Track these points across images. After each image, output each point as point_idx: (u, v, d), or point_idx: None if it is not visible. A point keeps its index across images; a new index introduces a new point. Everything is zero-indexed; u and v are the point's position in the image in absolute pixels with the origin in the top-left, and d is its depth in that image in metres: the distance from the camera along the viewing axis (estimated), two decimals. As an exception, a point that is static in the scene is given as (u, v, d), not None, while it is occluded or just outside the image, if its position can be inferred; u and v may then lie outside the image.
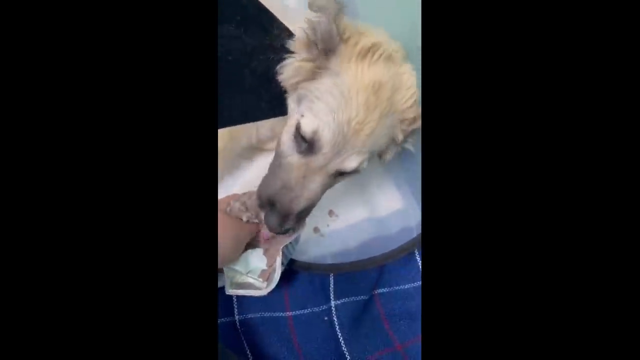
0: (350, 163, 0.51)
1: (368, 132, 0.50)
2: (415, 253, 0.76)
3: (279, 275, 0.61)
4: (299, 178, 0.51)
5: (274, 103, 0.56)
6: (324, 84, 0.50)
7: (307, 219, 0.63)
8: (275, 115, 0.57)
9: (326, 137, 0.49)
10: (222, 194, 0.61)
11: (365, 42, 0.49)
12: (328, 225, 0.76)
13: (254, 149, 0.70)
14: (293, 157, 0.52)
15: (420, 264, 0.76)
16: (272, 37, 0.53)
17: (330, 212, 0.74)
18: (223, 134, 0.63)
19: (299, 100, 0.53)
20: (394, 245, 0.71)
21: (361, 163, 0.52)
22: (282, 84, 0.55)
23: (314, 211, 0.57)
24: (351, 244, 0.74)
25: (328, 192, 0.62)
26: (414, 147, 0.60)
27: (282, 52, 0.53)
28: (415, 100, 0.54)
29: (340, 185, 0.71)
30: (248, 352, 0.71)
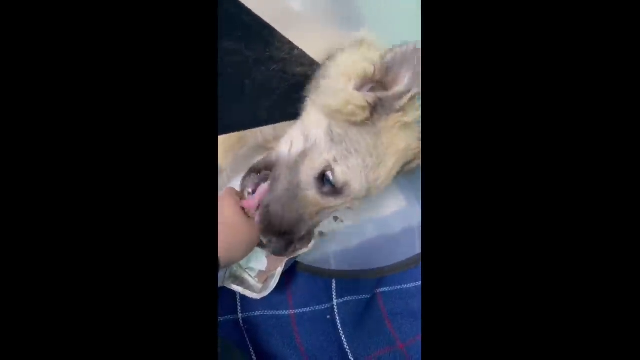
0: (358, 205, 0.56)
1: (384, 186, 0.54)
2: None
3: (276, 283, 0.62)
4: (313, 213, 0.53)
5: (272, 111, 0.56)
6: (366, 141, 0.51)
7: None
8: (274, 122, 0.58)
9: (354, 190, 0.51)
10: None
11: (413, 116, 0.51)
12: (333, 230, 0.77)
13: (259, 148, 0.71)
14: (311, 193, 0.53)
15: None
16: (274, 49, 0.53)
17: (336, 218, 0.76)
18: (231, 136, 0.64)
19: (333, 139, 0.51)
20: (396, 247, 0.73)
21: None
22: (296, 83, 0.54)
23: None
24: (353, 243, 0.75)
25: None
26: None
27: (284, 63, 0.54)
28: (419, 151, 0.56)
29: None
30: (251, 349, 0.72)
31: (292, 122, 0.58)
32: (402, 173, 0.60)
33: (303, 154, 0.53)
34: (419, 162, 0.58)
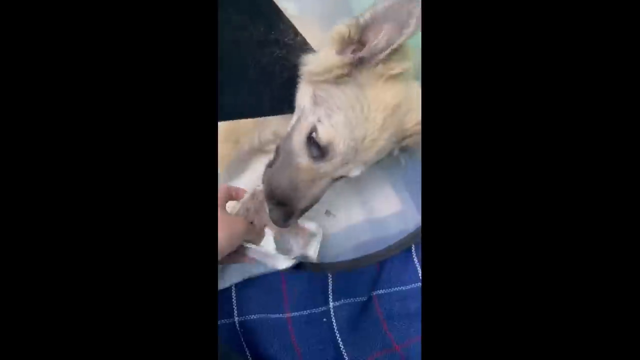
0: (355, 172, 0.54)
1: (377, 149, 0.52)
2: (413, 255, 0.77)
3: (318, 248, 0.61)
4: (308, 181, 0.53)
5: (275, 101, 0.56)
6: (348, 96, 0.50)
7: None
8: (276, 113, 0.58)
9: (340, 149, 0.51)
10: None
11: (400, 68, 0.50)
12: (325, 226, 0.76)
13: (256, 151, 0.71)
14: (303, 160, 0.53)
15: (418, 265, 0.77)
16: (279, 32, 0.53)
17: (327, 212, 0.75)
18: (228, 140, 0.64)
19: (316, 102, 0.52)
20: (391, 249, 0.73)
21: (363, 171, 0.55)
22: (296, 74, 0.54)
23: (310, 211, 0.59)
24: (349, 245, 0.75)
25: (326, 193, 0.64)
26: (404, 160, 0.62)
27: (288, 49, 0.54)
28: (419, 121, 0.55)
29: (338, 187, 0.73)
30: (248, 353, 0.72)
31: (289, 117, 0.58)
32: (402, 148, 0.58)
33: (295, 124, 0.54)
34: (418, 139, 0.56)
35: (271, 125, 0.62)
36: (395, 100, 0.51)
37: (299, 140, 0.53)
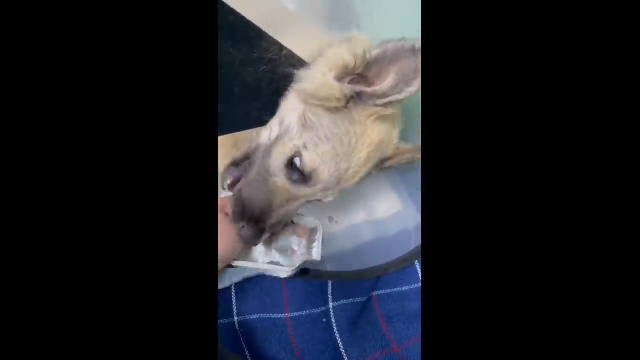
0: (330, 197, 0.54)
1: (357, 179, 0.53)
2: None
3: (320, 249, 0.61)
4: (283, 201, 0.52)
5: (264, 111, 0.56)
6: (339, 128, 0.50)
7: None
8: (265, 124, 0.57)
9: (323, 178, 0.50)
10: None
11: (393, 111, 0.51)
12: (328, 231, 0.76)
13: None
14: (281, 180, 0.52)
15: (418, 266, 0.77)
16: (262, 50, 0.54)
17: (330, 219, 0.75)
18: (227, 144, 0.63)
19: (305, 125, 0.51)
20: (392, 250, 0.73)
21: (336, 198, 0.55)
22: (283, 85, 0.54)
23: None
24: (350, 246, 0.75)
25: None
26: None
27: (274, 64, 0.54)
28: (397, 146, 0.56)
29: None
30: (247, 353, 0.72)
31: None
32: (381, 169, 0.59)
33: (277, 139, 0.53)
34: (400, 159, 0.58)
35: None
36: (380, 137, 0.52)
37: (279, 161, 0.52)
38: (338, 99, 0.49)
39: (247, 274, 0.73)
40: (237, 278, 0.73)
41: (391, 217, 0.76)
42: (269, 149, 0.53)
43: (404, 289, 0.76)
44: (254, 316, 0.74)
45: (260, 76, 0.55)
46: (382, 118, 0.51)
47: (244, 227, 0.53)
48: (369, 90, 0.49)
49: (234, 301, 0.74)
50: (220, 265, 0.54)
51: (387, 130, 0.53)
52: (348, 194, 0.76)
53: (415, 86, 0.46)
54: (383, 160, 0.57)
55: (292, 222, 0.66)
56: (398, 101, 0.49)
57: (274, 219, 0.52)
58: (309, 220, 0.65)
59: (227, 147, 0.67)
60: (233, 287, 0.74)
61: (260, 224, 0.52)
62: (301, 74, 0.53)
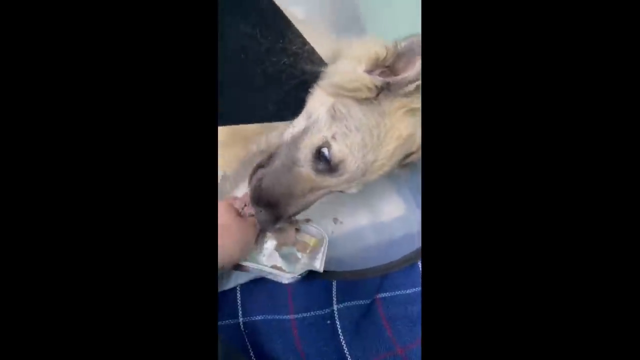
0: (354, 189, 0.55)
1: (382, 172, 0.54)
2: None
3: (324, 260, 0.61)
4: (305, 190, 0.53)
5: (281, 106, 0.57)
6: (369, 119, 0.50)
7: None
8: (280, 119, 0.58)
9: (350, 169, 0.51)
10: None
11: (419, 104, 0.51)
12: (332, 232, 0.77)
13: (264, 154, 0.72)
14: (306, 170, 0.53)
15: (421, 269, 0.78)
16: (287, 41, 0.55)
17: (335, 220, 0.76)
18: (236, 143, 0.65)
19: (335, 116, 0.52)
20: (396, 253, 0.73)
21: (360, 190, 0.56)
22: (303, 81, 0.55)
23: (319, 220, 0.61)
24: (354, 248, 0.76)
25: (331, 200, 0.64)
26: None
27: (295, 58, 0.55)
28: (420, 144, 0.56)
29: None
30: (252, 354, 0.72)
31: None
32: (402, 165, 0.59)
33: (304, 132, 0.53)
34: (419, 155, 0.57)
35: (279, 129, 0.62)
36: (408, 132, 0.52)
37: (306, 150, 0.53)
38: (369, 89, 0.50)
39: (252, 275, 0.74)
40: (242, 279, 0.74)
41: (395, 219, 0.77)
42: (295, 141, 0.54)
43: (407, 291, 0.77)
44: (259, 317, 0.74)
45: (282, 68, 0.55)
46: (411, 111, 0.51)
47: (261, 211, 0.53)
48: (398, 78, 0.50)
49: (239, 302, 0.75)
50: (229, 263, 0.55)
51: (415, 124, 0.52)
52: (352, 196, 0.77)
53: None
54: (407, 155, 0.57)
55: (297, 230, 0.66)
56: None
57: (292, 207, 0.53)
58: (315, 231, 0.66)
59: (237, 140, 0.69)
60: (238, 288, 0.74)
61: (277, 209, 0.53)
62: (330, 69, 0.54)
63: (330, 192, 0.55)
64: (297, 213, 0.56)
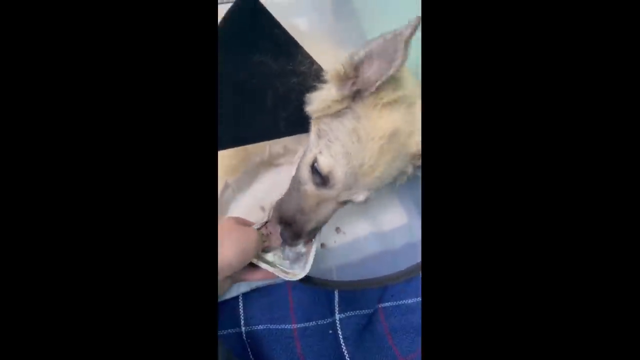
0: (359, 197, 0.57)
1: (378, 174, 0.55)
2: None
3: (310, 264, 0.63)
4: (313, 205, 0.57)
5: (291, 121, 0.59)
6: (346, 127, 0.54)
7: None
8: (291, 133, 0.61)
9: (339, 177, 0.54)
10: (235, 207, 0.64)
11: (393, 96, 0.52)
12: (335, 242, 0.77)
13: (265, 164, 0.72)
14: (309, 187, 0.57)
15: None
16: (296, 63, 0.57)
17: (337, 229, 0.77)
18: (238, 152, 0.65)
19: (320, 135, 0.56)
20: (398, 262, 0.73)
21: (369, 196, 0.57)
22: (305, 111, 0.58)
23: (322, 229, 0.62)
24: (356, 258, 0.76)
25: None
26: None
27: (304, 77, 0.57)
28: (419, 144, 0.56)
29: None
30: (253, 363, 0.72)
31: (302, 136, 0.61)
32: (418, 167, 0.59)
33: (303, 156, 0.59)
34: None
35: (282, 140, 0.63)
36: (392, 127, 0.53)
37: (305, 170, 0.57)
38: (338, 102, 0.53)
39: (253, 285, 0.74)
40: (244, 288, 0.74)
41: (397, 229, 0.77)
42: (298, 165, 0.59)
43: (409, 301, 0.77)
44: (261, 326, 0.74)
45: (292, 87, 0.58)
46: (388, 107, 0.53)
47: (283, 229, 0.58)
48: (361, 81, 0.52)
49: (241, 311, 0.75)
50: (229, 271, 0.55)
51: (399, 119, 0.53)
52: (355, 206, 0.77)
53: (398, 59, 0.47)
54: (413, 158, 0.57)
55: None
56: (392, 80, 0.51)
57: (307, 222, 0.57)
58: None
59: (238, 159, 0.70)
60: (240, 298, 0.75)
61: (295, 226, 0.57)
62: (310, 97, 0.57)
63: (339, 203, 0.58)
64: (316, 228, 0.59)
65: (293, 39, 0.57)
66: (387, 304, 0.77)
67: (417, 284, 0.77)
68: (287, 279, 0.61)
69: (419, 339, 0.74)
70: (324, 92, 0.55)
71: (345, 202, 0.59)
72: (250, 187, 0.74)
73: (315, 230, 0.60)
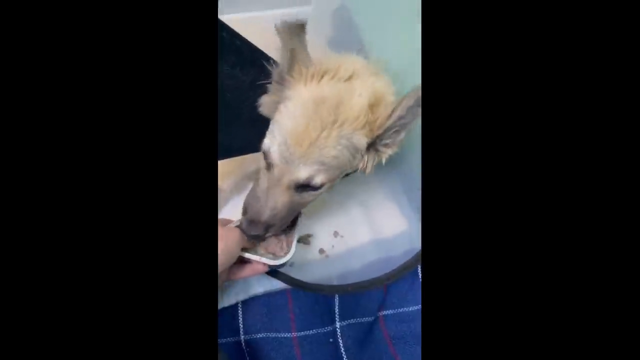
0: (300, 173, 0.55)
1: (309, 142, 0.53)
2: (419, 276, 0.77)
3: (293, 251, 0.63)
4: (264, 190, 0.57)
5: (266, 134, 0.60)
6: (281, 111, 0.57)
7: (313, 241, 0.64)
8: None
9: (274, 152, 0.55)
10: (232, 211, 0.64)
11: (312, 70, 0.55)
12: (333, 247, 0.77)
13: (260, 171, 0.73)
14: (262, 172, 0.59)
15: (424, 285, 0.77)
16: (268, 73, 0.59)
17: (335, 233, 0.76)
18: (233, 160, 0.65)
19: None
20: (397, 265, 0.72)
21: (313, 174, 0.55)
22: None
23: (319, 232, 0.60)
24: (356, 265, 0.76)
25: (332, 213, 0.63)
26: (394, 152, 0.61)
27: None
28: (363, 109, 0.55)
29: (343, 206, 0.72)
30: (253, 372, 0.72)
31: None
32: (381, 138, 0.58)
33: None
34: (402, 118, 0.55)
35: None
36: (316, 94, 0.54)
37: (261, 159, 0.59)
38: (276, 95, 0.57)
39: (252, 292, 0.73)
40: (242, 295, 0.74)
41: (397, 236, 0.76)
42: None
43: (410, 309, 0.76)
44: (260, 335, 0.73)
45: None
46: (311, 79, 0.55)
47: (243, 220, 0.59)
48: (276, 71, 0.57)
49: (241, 319, 0.74)
50: (224, 265, 0.56)
51: (330, 87, 0.55)
52: (354, 212, 0.76)
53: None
54: (371, 124, 0.56)
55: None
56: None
57: (264, 213, 0.57)
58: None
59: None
60: (239, 306, 0.74)
61: (249, 214, 0.58)
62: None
63: (290, 189, 0.57)
64: (273, 221, 0.58)
65: (258, 49, 0.59)
66: (387, 312, 0.76)
67: (418, 291, 0.76)
68: (271, 263, 0.62)
69: (420, 347, 0.73)
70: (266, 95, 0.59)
71: (297, 189, 0.56)
72: (240, 194, 0.74)
73: (273, 222, 0.58)
